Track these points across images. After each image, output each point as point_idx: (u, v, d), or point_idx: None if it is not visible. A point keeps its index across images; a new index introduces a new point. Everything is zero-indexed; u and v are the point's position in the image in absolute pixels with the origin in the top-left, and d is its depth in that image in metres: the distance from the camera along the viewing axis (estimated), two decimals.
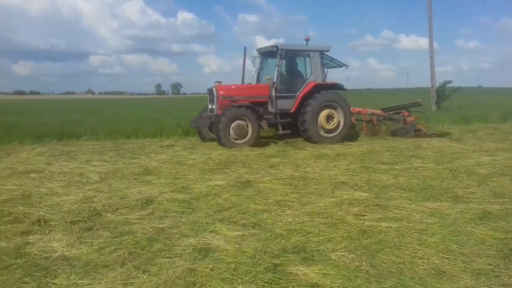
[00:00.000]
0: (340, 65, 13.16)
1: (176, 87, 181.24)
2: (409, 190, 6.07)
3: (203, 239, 4.14)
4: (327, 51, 12.26)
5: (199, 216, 4.92)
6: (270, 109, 11.54)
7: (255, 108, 11.16)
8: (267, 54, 12.28)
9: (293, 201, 5.55)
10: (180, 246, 3.99)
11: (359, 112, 13.00)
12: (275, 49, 11.47)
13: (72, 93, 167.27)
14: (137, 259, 3.67)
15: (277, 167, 7.98)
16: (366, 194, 5.81)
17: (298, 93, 11.61)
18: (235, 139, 10.77)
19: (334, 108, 11.63)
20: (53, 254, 3.81)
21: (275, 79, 11.46)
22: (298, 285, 3.17)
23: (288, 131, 11.84)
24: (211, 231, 4.38)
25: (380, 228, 4.42)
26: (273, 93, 11.44)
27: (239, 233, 4.32)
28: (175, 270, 3.36)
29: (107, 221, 4.79)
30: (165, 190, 6.16)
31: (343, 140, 11.55)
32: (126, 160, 8.95)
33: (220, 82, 12.09)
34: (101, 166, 8.19)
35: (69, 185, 6.55)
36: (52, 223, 4.71)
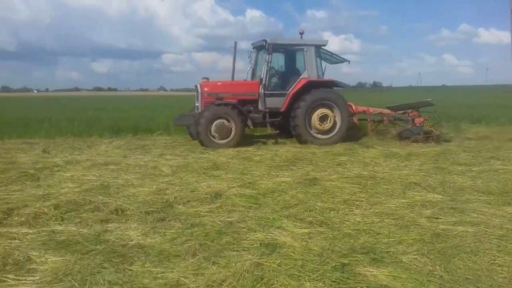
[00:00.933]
0: (341, 60, 12.59)
1: None
2: (488, 194, 5.69)
3: (270, 234, 4.18)
4: (323, 45, 11.54)
5: (266, 212, 4.97)
6: (260, 107, 10.87)
7: (239, 106, 10.56)
8: (261, 49, 11.50)
9: (362, 201, 5.43)
10: (248, 240, 4.05)
11: (363, 112, 12.04)
12: (264, 43, 10.88)
13: (146, 90, 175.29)
14: (207, 251, 3.78)
15: (345, 165, 7.84)
16: (440, 196, 5.54)
17: (289, 90, 10.88)
18: (216, 138, 10.24)
19: (329, 108, 10.84)
20: (130, 242, 4.02)
21: (263, 76, 10.89)
22: (367, 287, 3.10)
23: (277, 131, 11.71)
24: (277, 227, 4.40)
25: (456, 232, 4.20)
26: (262, 91, 10.80)
27: (306, 230, 4.31)
28: (243, 263, 3.42)
29: (178, 213, 4.98)
30: (233, 185, 6.28)
31: (341, 142, 10.70)
32: (196, 154, 9.24)
33: (208, 78, 11.46)
34: (173, 160, 8.54)
35: (143, 177, 6.89)
36: (129, 212, 4.99)
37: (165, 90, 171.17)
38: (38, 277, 3.29)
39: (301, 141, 10.68)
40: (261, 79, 10.89)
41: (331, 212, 4.99)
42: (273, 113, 10.94)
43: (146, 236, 4.17)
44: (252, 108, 10.87)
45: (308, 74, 10.94)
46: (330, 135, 10.87)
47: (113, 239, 4.11)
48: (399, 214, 4.83)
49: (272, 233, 4.20)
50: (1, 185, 6.41)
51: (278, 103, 10.92)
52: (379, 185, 6.21)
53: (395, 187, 6.09)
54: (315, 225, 4.53)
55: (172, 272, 3.35)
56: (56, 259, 3.60)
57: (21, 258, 3.64)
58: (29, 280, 3.24)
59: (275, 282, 3.16)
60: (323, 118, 10.73)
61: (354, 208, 5.15)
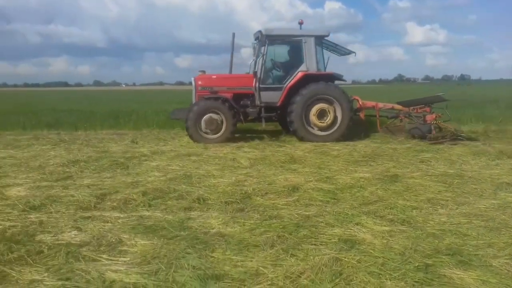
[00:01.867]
0: (347, 52, 11.79)
1: None
2: None
3: (348, 230, 4.12)
4: (326, 36, 10.78)
5: (344, 207, 4.89)
6: (256, 101, 10.46)
7: (230, 100, 10.28)
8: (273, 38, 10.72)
9: (447, 200, 5.15)
10: (326, 235, 4.02)
11: (372, 107, 11.16)
12: (259, 34, 10.38)
13: None
14: (285, 243, 3.82)
15: (429, 163, 7.47)
16: None
17: (286, 84, 10.35)
18: (206, 133, 10.10)
19: (329, 102, 10.24)
20: (211, 230, 4.19)
21: (257, 69, 10.39)
22: None
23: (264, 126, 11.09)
24: (356, 223, 4.32)
25: None
26: (257, 84, 10.34)
27: (387, 228, 4.18)
28: (321, 257, 3.41)
29: (256, 204, 5.08)
30: (310, 179, 6.26)
31: (342, 138, 10.21)
32: (273, 148, 9.34)
33: (204, 71, 11.22)
34: (251, 152, 8.69)
35: (223, 169, 7.11)
36: (210, 202, 5.18)
37: None
38: (128, 259, 3.54)
39: (298, 137, 10.33)
40: (255, 72, 10.45)
41: (414, 210, 4.79)
42: (269, 108, 10.56)
43: (226, 225, 4.31)
44: (248, 103, 10.58)
45: (306, 66, 10.37)
46: (330, 131, 10.34)
47: (196, 226, 4.30)
48: (489, 215, 4.52)
49: (351, 229, 4.14)
50: (95, 172, 6.95)
51: (275, 97, 10.46)
52: (467, 185, 5.85)
53: (485, 187, 5.70)
54: (396, 223, 4.38)
55: (251, 261, 3.43)
56: (145, 242, 3.85)
57: (113, 240, 3.94)
58: (121, 261, 3.50)
59: (354, 278, 3.12)
60: (321, 114, 10.23)
61: (439, 207, 4.90)
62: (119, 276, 3.15)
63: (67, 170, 7.02)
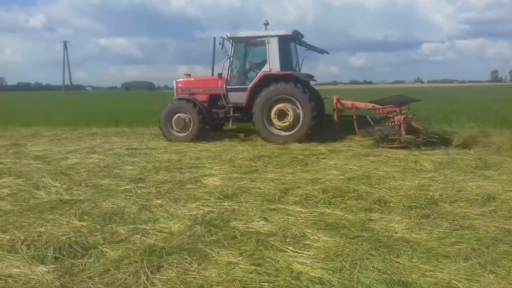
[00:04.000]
0: (320, 51, 11.86)
1: None
2: None
3: None
4: (288, 35, 10.59)
5: None
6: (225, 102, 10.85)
7: (197, 101, 10.89)
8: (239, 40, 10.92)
9: None
10: None
11: (351, 107, 10.40)
12: (226, 38, 10.59)
13: (401, 82, 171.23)
14: (481, 257, 3.44)
15: None
16: None
17: (250, 85, 10.38)
18: (176, 131, 10.84)
19: (291, 102, 10.06)
20: (394, 234, 4.03)
21: (223, 71, 10.82)
22: None
23: (235, 127, 11.32)
24: None
25: None
26: (224, 86, 10.73)
27: None
28: None
29: (444, 212, 4.70)
30: (509, 188, 5.51)
31: (305, 139, 9.92)
32: (457, 150, 8.59)
33: (190, 75, 11.95)
34: (435, 155, 8.11)
35: (404, 171, 6.78)
36: (391, 205, 5.00)
37: (422, 82, 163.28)
38: (312, 253, 3.65)
39: (261, 137, 10.40)
40: (219, 74, 10.85)
41: None
42: (238, 108, 10.74)
43: (411, 231, 4.09)
44: (219, 103, 10.97)
45: (269, 67, 10.34)
46: (293, 131, 10.16)
47: (378, 229, 4.19)
48: None
49: None
50: (277, 167, 7.37)
51: (241, 98, 10.61)
52: None
53: None
54: None
55: (442, 272, 3.18)
56: (327, 239, 3.92)
57: (297, 234, 4.13)
58: (305, 254, 3.63)
59: None
60: (282, 114, 10.08)
61: None
62: (305, 269, 3.28)
63: (253, 164, 7.62)
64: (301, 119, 10.13)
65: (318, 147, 9.34)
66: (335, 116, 10.71)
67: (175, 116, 10.94)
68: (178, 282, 3.16)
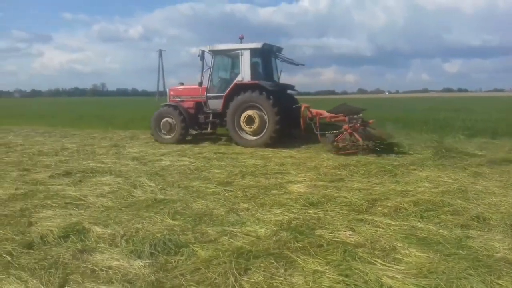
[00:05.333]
0: (296, 63, 12.83)
1: None
2: None
3: None
4: (259, 48, 11.48)
5: None
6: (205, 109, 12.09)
7: (181, 107, 12.09)
8: (215, 54, 12.04)
9: None
10: None
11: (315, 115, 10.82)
12: (206, 50, 11.71)
13: (501, 90, 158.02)
14: None
15: None
16: None
17: (225, 93, 11.45)
18: (164, 134, 12.19)
19: (258, 109, 11.04)
20: (495, 254, 3.72)
21: (203, 80, 11.93)
22: None
23: (212, 131, 12.31)
24: None
25: None
26: (205, 94, 11.94)
27: None
28: None
29: None
30: None
31: (270, 143, 10.89)
32: None
33: (183, 83, 13.27)
34: None
35: (506, 186, 6.24)
36: (491, 222, 4.63)
37: None
38: (403, 268, 3.50)
39: (234, 142, 11.44)
40: (200, 83, 11.96)
41: None
42: (216, 114, 11.85)
43: None
44: (203, 110, 12.16)
45: (242, 76, 11.37)
46: (259, 136, 11.08)
47: (476, 247, 3.90)
48: None
49: None
50: (364, 176, 7.17)
51: (219, 105, 11.67)
52: None
53: None
54: None
55: None
56: (419, 254, 3.73)
57: (387, 246, 3.98)
58: (395, 269, 3.49)
59: None
60: (250, 120, 11.04)
61: None
62: (396, 284, 3.15)
63: (339, 172, 7.50)
64: (266, 126, 11.02)
65: (409, 157, 8.91)
66: (301, 123, 11.12)
67: (163, 120, 12.24)
68: (265, 286, 3.20)
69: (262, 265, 3.55)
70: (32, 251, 4.01)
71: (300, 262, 3.63)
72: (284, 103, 11.39)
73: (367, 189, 6.20)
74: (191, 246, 4.02)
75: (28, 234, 4.42)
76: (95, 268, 3.60)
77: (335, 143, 9.65)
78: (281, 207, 5.36)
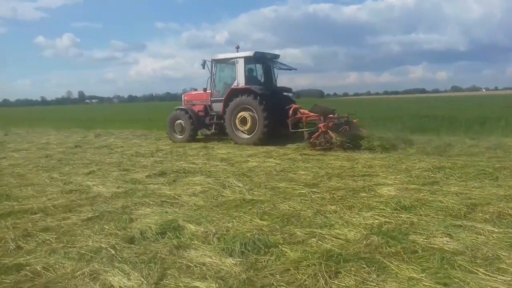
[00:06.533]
0: (288, 68, 13.57)
1: None
2: None
3: None
4: (251, 56, 12.60)
5: None
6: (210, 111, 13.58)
7: (191, 110, 13.68)
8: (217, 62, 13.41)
9: None
10: None
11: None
12: (209, 60, 13.19)
13: None
14: None
15: None
16: None
17: (224, 97, 12.80)
18: (177, 134, 13.77)
19: (250, 111, 12.19)
20: None
21: (207, 86, 13.42)
22: None
23: (216, 131, 13.59)
24: None
25: None
26: (209, 98, 13.39)
27: None
28: None
29: None
30: None
31: (260, 141, 12.03)
32: None
33: (196, 89, 14.81)
34: None
35: None
36: None
37: None
38: (509, 278, 3.22)
39: (233, 141, 12.68)
40: (204, 89, 13.59)
41: None
42: (219, 116, 13.17)
43: None
44: (208, 112, 13.69)
45: (237, 82, 12.58)
46: (251, 135, 12.25)
47: None
48: None
49: None
50: (461, 180, 6.70)
51: (220, 108, 12.98)
52: None
53: None
54: None
55: None
56: None
57: (489, 255, 3.68)
58: (499, 279, 3.22)
59: None
60: (243, 120, 12.27)
61: None
62: None
63: (433, 175, 7.09)
64: (256, 125, 12.16)
65: None
66: (288, 123, 12.04)
67: (176, 122, 13.89)
68: None
69: (352, 269, 3.47)
70: (133, 245, 4.30)
71: (394, 268, 3.49)
72: (278, 104, 12.48)
73: (465, 193, 5.79)
74: (280, 246, 4.05)
75: (129, 230, 4.76)
76: (190, 264, 3.77)
77: (311, 140, 10.84)
78: (370, 210, 5.21)
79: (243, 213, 5.23)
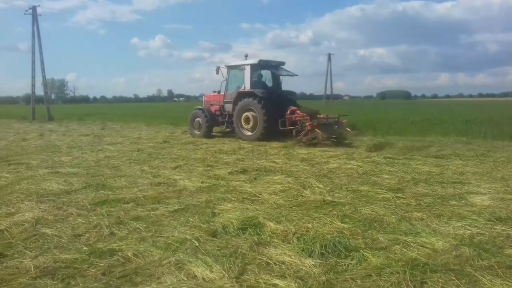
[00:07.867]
0: (290, 74, 15.37)
1: None
2: None
3: None
4: (255, 63, 14.71)
5: None
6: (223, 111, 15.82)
7: (207, 110, 15.99)
8: (230, 68, 15.73)
9: None
10: None
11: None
12: (222, 66, 15.62)
13: None
14: None
15: None
16: None
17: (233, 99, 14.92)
18: (196, 131, 16.02)
19: (253, 111, 14.05)
20: None
21: (221, 89, 15.91)
22: None
23: (229, 129, 15.95)
24: None
25: None
26: (222, 99, 15.71)
27: None
28: None
29: None
30: None
31: (261, 138, 13.73)
32: None
33: (215, 91, 16.55)
34: None
35: None
36: None
37: None
38: None
39: (239, 136, 14.62)
40: (217, 91, 16.14)
41: None
42: (230, 115, 15.21)
43: None
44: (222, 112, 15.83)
45: (244, 86, 14.77)
46: (254, 132, 14.11)
47: None
48: None
49: None
50: None
51: (231, 108, 15.11)
52: None
53: None
54: None
55: None
56: None
57: None
58: None
59: None
60: (247, 119, 14.28)
61: None
62: None
63: None
64: (258, 124, 13.91)
65: None
66: (286, 123, 13.61)
67: (195, 120, 16.10)
68: None
69: (440, 280, 3.28)
70: (215, 239, 4.45)
71: (486, 283, 3.24)
72: (281, 106, 14.01)
73: None
74: (362, 251, 3.94)
75: (212, 224, 4.92)
76: (269, 261, 3.81)
77: (299, 137, 12.38)
78: (461, 220, 4.88)
79: (323, 215, 5.16)
